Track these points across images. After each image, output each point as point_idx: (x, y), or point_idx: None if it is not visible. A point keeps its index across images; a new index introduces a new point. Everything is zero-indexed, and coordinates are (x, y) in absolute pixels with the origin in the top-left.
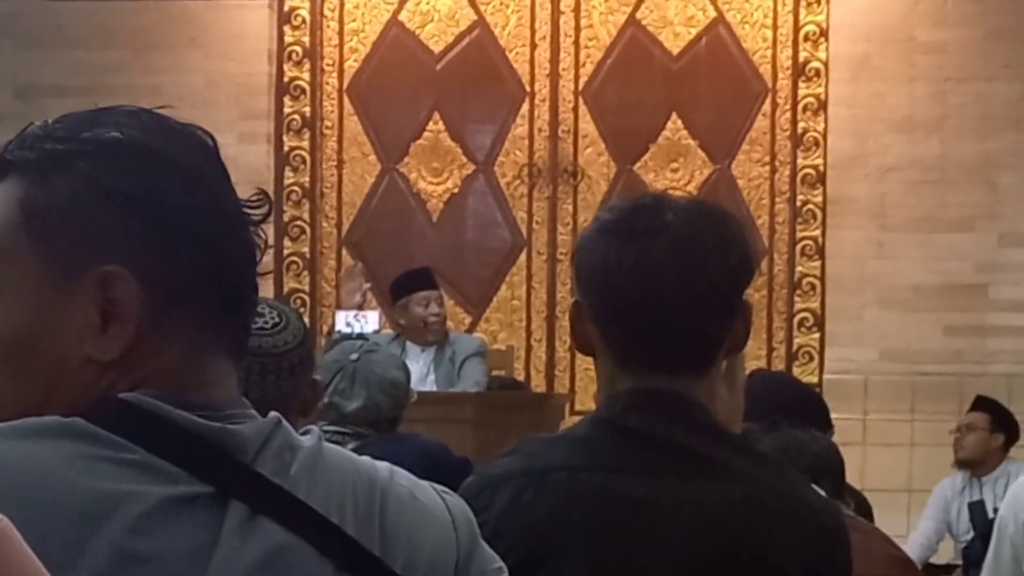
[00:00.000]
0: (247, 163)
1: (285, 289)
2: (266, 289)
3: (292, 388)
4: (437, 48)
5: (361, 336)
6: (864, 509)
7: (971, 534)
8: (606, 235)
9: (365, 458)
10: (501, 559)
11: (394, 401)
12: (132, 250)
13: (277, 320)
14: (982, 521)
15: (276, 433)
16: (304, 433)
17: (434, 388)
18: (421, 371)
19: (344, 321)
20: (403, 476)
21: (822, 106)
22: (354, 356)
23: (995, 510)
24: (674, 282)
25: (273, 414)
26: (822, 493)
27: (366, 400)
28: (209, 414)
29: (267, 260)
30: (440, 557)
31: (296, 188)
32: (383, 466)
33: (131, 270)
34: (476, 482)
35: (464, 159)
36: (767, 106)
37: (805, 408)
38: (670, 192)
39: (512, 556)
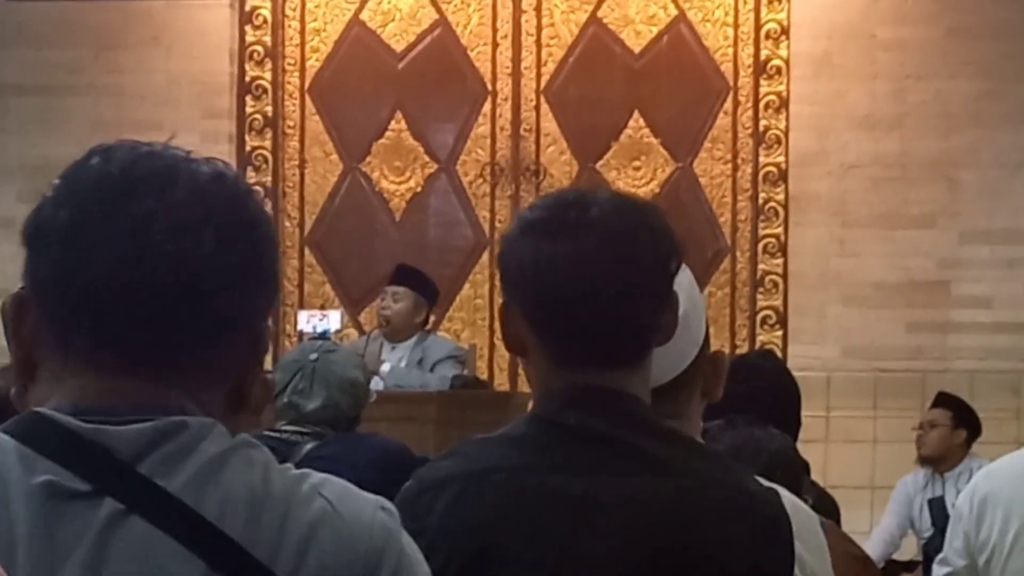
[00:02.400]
0: None
1: None
2: None
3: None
4: (399, 47)
5: (324, 338)
6: (828, 507)
7: (932, 530)
8: (534, 233)
9: (292, 471)
10: (444, 563)
11: (353, 400)
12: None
13: None
14: (942, 517)
15: (171, 437)
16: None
17: (402, 386)
18: (392, 368)
19: (306, 320)
20: (334, 488)
21: (783, 104)
22: (313, 356)
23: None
24: (607, 275)
25: (177, 418)
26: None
27: (325, 399)
28: (99, 419)
29: None
30: (340, 569)
31: (258, 187)
32: (315, 478)
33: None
34: (415, 486)
35: (426, 158)
36: (729, 104)
37: (774, 401)
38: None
39: (455, 559)
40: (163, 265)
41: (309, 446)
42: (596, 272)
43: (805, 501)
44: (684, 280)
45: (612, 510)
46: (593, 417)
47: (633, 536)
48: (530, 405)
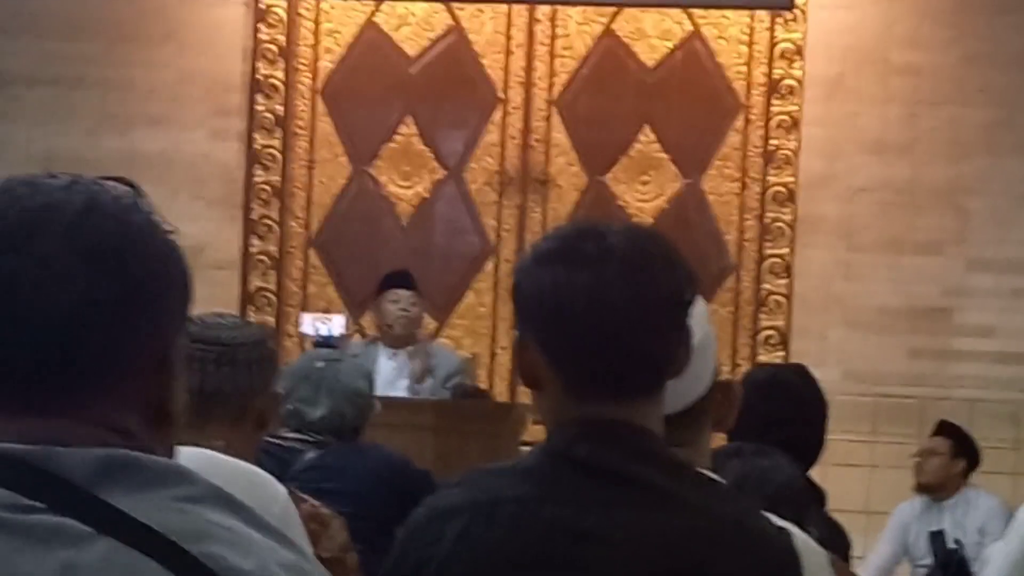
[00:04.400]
0: (217, 160)
1: (251, 287)
2: (232, 287)
3: (247, 385)
4: (412, 52)
5: (328, 341)
6: (838, 541)
7: (928, 559)
8: (550, 263)
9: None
10: None
11: (358, 411)
12: None
13: (238, 322)
14: (942, 551)
15: (120, 468)
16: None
17: (403, 394)
18: (389, 375)
19: (310, 323)
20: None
21: (795, 124)
22: (319, 364)
23: (956, 541)
24: (626, 305)
25: (119, 450)
26: (777, 521)
27: (330, 408)
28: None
29: (233, 258)
30: None
31: (265, 187)
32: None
33: None
34: (424, 514)
35: (435, 164)
36: (740, 122)
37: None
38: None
39: None
40: (34, 319)
41: (311, 454)
42: (614, 301)
43: (810, 534)
44: (698, 310)
45: (622, 545)
46: (605, 451)
47: (641, 572)
48: (529, 418)
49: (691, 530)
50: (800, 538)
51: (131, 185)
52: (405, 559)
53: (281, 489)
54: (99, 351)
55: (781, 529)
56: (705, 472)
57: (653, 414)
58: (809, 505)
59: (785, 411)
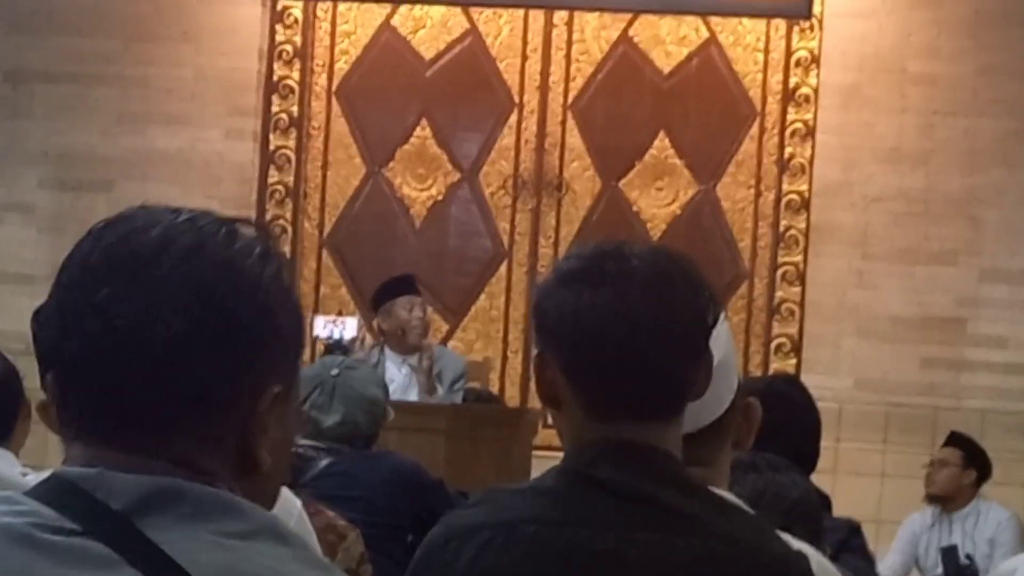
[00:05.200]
0: (232, 160)
1: None
2: None
3: None
4: (428, 54)
5: (340, 344)
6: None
7: (939, 570)
8: (573, 283)
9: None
10: None
11: (372, 419)
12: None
13: None
14: (954, 566)
15: (166, 499)
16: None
17: (415, 399)
18: (402, 381)
19: (323, 325)
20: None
21: (810, 132)
22: (334, 371)
23: (968, 556)
24: (648, 325)
25: (169, 479)
26: (794, 542)
27: (344, 416)
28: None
29: None
30: None
31: (280, 187)
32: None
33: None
34: (442, 533)
35: (449, 167)
36: (755, 129)
37: (799, 433)
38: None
39: None
40: (128, 351)
41: (325, 462)
42: (637, 322)
43: (824, 552)
44: (720, 331)
45: (639, 567)
46: (624, 472)
47: None
48: (539, 423)
49: (709, 553)
50: (816, 560)
51: (262, 229)
52: None
53: (297, 503)
54: (186, 389)
55: (798, 553)
56: (723, 493)
57: (672, 436)
58: (822, 521)
59: (781, 421)
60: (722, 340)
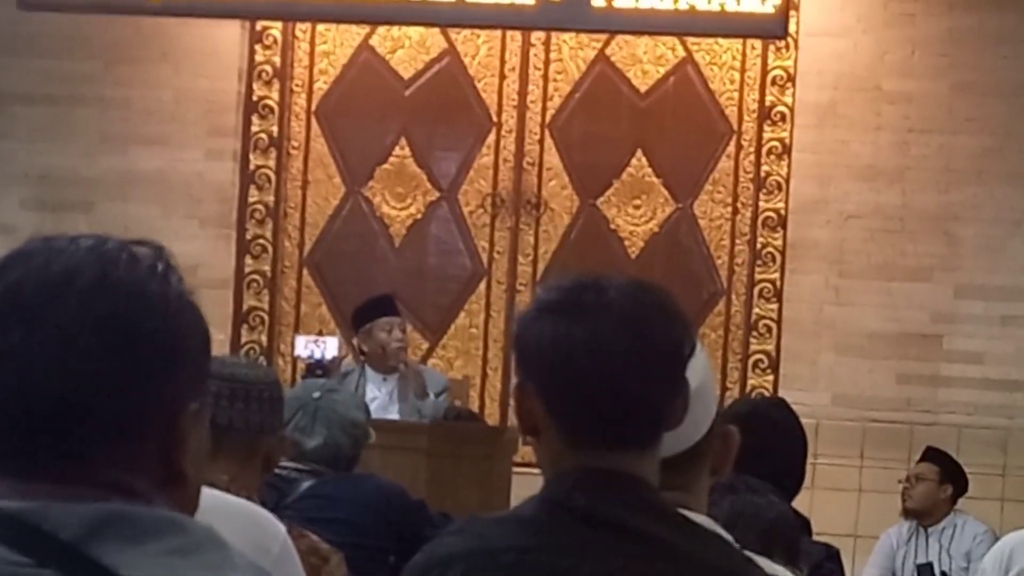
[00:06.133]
0: (213, 180)
1: (244, 307)
2: (225, 306)
3: (258, 423)
4: (407, 74)
5: (320, 364)
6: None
7: None
8: (551, 314)
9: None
10: None
11: (354, 441)
12: None
13: (253, 362)
14: None
15: (113, 524)
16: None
17: (397, 418)
18: (383, 400)
19: (304, 345)
20: None
21: (786, 150)
22: (316, 394)
23: (943, 573)
24: (623, 357)
25: (116, 505)
26: (771, 567)
27: (326, 438)
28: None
29: (227, 277)
30: None
31: (260, 206)
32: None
33: None
34: (423, 561)
35: (428, 185)
36: (731, 148)
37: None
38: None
39: None
40: (43, 387)
41: (307, 484)
42: (612, 353)
43: (800, 571)
44: (698, 360)
45: None
46: (603, 500)
47: None
48: (520, 441)
49: None
50: None
51: (157, 248)
52: None
53: (281, 528)
54: (105, 417)
55: None
56: (700, 519)
57: (649, 464)
58: (799, 543)
59: (766, 444)
60: (699, 367)
